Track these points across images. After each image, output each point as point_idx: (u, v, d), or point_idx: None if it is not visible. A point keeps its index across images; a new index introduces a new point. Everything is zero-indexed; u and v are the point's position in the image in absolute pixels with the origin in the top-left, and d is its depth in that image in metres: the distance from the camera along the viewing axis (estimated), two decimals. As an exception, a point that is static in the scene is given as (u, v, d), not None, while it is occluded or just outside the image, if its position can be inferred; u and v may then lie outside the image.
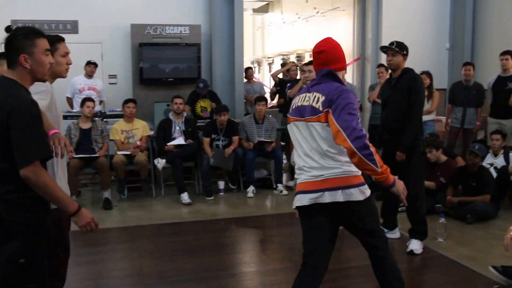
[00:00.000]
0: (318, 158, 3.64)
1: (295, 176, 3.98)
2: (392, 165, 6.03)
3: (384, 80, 9.52)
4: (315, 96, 3.65)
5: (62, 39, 3.89)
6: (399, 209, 6.63)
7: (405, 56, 5.97)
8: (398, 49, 5.89)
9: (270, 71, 12.14)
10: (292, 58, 15.68)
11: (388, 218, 6.46)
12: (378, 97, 9.11)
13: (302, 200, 3.76)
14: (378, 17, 12.59)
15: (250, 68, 12.92)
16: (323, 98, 3.58)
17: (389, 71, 9.41)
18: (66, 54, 3.85)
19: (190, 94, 10.59)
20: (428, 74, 9.58)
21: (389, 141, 6.15)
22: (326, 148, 3.58)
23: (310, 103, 3.65)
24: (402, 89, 5.92)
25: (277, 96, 11.21)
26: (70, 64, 3.89)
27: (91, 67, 10.16)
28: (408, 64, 6.15)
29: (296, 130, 3.80)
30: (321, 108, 3.56)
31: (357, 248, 6.33)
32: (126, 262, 5.91)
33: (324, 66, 3.75)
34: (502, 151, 8.35)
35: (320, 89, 3.66)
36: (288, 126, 3.90)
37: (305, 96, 3.75)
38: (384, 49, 6.08)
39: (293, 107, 3.83)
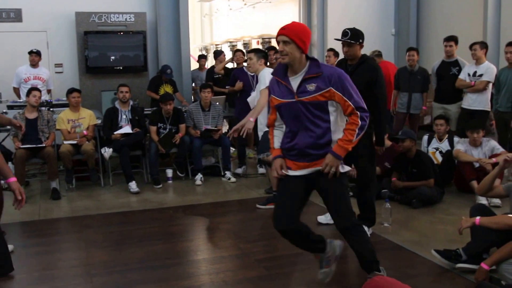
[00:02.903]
0: None
1: None
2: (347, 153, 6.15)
3: (332, 64, 9.54)
4: None
5: None
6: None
7: (361, 44, 5.81)
8: (354, 40, 5.71)
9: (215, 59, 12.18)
10: (239, 45, 15.73)
11: None
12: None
13: None
14: (324, 3, 12.75)
15: (204, 56, 12.94)
16: None
17: (338, 56, 9.40)
18: None
19: (152, 80, 10.72)
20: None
21: None
22: None
23: None
24: (361, 78, 5.65)
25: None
26: None
27: (33, 56, 10.06)
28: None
29: None
30: None
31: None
32: (73, 252, 5.91)
33: None
34: (446, 135, 8.50)
35: None
36: None
37: None
38: (339, 41, 5.88)
39: None
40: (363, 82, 5.61)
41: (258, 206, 7.41)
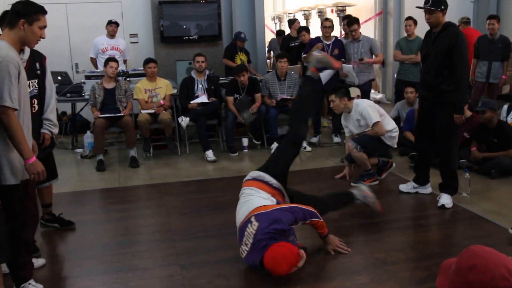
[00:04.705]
0: None
1: None
2: (427, 121, 6.06)
3: (411, 33, 9.56)
4: None
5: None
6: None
7: (443, 10, 5.75)
8: (434, 7, 5.70)
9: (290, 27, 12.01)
10: (314, 14, 15.56)
11: (420, 173, 6.49)
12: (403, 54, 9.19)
13: None
14: (401, -31, 12.43)
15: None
16: None
17: (417, 24, 9.31)
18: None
19: (226, 48, 10.77)
20: None
21: (425, 97, 6.10)
22: None
23: None
24: (441, 44, 5.74)
25: None
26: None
27: (112, 26, 10.19)
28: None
29: None
30: None
31: (390, 203, 6.40)
32: (154, 218, 6.02)
33: None
34: (528, 106, 8.26)
35: None
36: None
37: None
38: (421, 9, 5.90)
39: None
40: (443, 49, 5.72)
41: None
